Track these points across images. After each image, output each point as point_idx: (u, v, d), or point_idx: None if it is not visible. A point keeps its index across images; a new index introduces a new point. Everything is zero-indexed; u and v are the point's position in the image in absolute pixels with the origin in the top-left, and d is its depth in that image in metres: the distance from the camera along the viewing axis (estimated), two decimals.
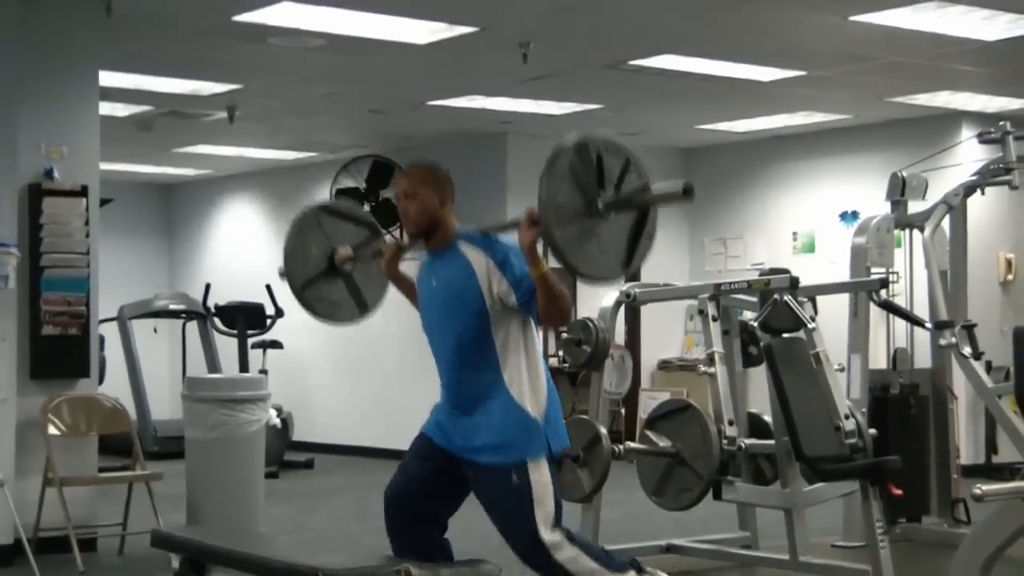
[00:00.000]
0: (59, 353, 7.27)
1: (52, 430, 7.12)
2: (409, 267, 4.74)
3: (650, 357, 12.58)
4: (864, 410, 6.62)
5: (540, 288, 4.16)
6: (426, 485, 4.41)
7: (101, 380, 8.14)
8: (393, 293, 4.90)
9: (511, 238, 4.28)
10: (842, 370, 6.77)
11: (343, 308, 5.09)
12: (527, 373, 4.30)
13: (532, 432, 4.25)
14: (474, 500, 4.40)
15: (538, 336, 4.42)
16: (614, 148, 4.15)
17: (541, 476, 4.23)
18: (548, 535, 4.20)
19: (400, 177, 4.50)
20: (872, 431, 6.05)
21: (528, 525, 4.19)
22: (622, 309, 7.01)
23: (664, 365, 12.67)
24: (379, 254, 4.82)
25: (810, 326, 6.09)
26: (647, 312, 11.92)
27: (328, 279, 5.03)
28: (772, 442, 6.44)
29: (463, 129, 11.37)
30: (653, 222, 4.21)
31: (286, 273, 5.01)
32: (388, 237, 4.78)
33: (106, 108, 8.53)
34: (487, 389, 4.29)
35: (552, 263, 4.16)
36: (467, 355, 4.32)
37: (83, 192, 7.36)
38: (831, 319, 6.89)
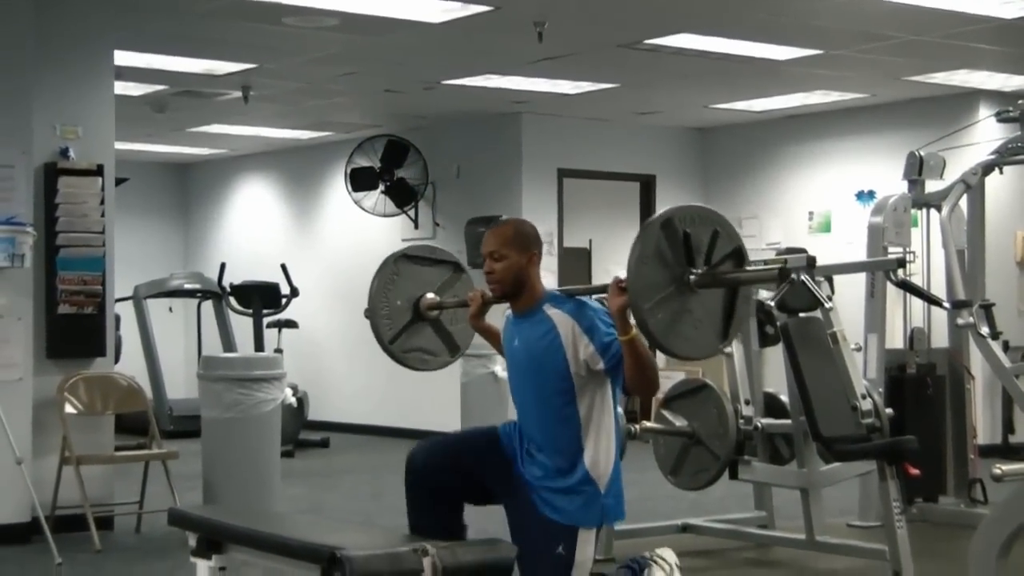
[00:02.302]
0: (75, 332, 7.29)
1: (69, 409, 7.13)
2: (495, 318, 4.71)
3: None
4: (881, 390, 6.61)
5: (628, 354, 4.07)
6: (467, 480, 4.41)
7: (117, 359, 8.15)
8: None
9: (599, 302, 4.24)
10: (859, 350, 6.75)
11: (435, 355, 5.06)
12: (603, 445, 4.27)
13: (592, 503, 4.24)
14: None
15: (618, 407, 4.38)
16: (701, 218, 4.09)
17: (585, 550, 4.24)
18: None
19: (487, 236, 4.41)
20: (889, 411, 6.04)
21: None
22: None
23: None
24: (464, 305, 4.77)
25: (827, 306, 6.07)
26: None
27: (415, 328, 4.98)
28: (788, 422, 6.42)
29: (478, 108, 11.35)
30: (747, 288, 4.16)
31: (372, 327, 4.97)
32: (473, 292, 4.75)
33: (120, 88, 8.52)
34: (565, 453, 4.25)
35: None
36: (548, 419, 4.28)
37: (98, 171, 7.36)
38: (848, 299, 6.87)
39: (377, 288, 5.00)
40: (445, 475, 4.38)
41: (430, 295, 4.99)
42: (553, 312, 4.28)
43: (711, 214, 4.12)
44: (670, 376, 11.34)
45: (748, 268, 4.14)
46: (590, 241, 13.76)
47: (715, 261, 4.03)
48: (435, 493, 4.38)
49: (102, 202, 7.35)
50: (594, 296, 4.34)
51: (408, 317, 4.99)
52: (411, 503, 4.44)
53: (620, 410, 4.50)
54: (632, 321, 4.00)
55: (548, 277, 11.77)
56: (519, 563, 4.27)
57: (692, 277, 3.98)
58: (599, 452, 4.25)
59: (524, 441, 4.37)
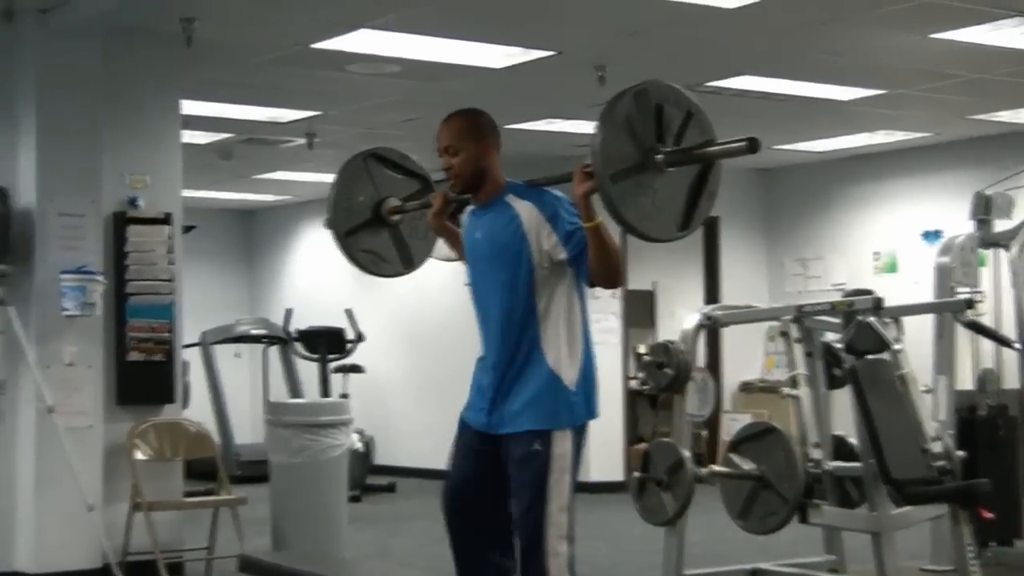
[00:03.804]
0: (145, 379, 7.35)
1: (139, 455, 7.19)
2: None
3: (731, 379, 12.49)
4: (951, 432, 6.53)
5: (592, 241, 3.97)
6: (481, 480, 4.29)
7: (185, 405, 8.22)
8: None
9: (562, 191, 4.14)
10: (928, 392, 6.68)
11: (388, 262, 4.93)
12: (566, 339, 4.13)
13: (561, 401, 4.11)
14: None
15: (586, 302, 4.24)
16: (676, 99, 3.92)
17: (563, 447, 4.10)
18: (555, 512, 4.06)
19: (440, 131, 4.30)
20: (960, 453, 5.96)
21: (539, 492, 4.06)
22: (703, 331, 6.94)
23: (745, 387, 12.58)
24: (427, 206, 4.63)
25: (895, 347, 6.02)
26: (727, 333, 11.85)
27: (373, 229, 4.82)
28: (858, 465, 6.35)
29: (540, 152, 11.36)
30: (716, 179, 3.96)
31: (330, 219, 4.82)
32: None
33: (187, 136, 8.63)
34: (525, 352, 4.13)
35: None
36: (508, 314, 4.16)
37: (166, 220, 7.44)
38: (916, 340, 6.80)
39: (341, 180, 4.83)
40: (472, 504, 4.29)
41: (393, 200, 4.86)
42: (516, 202, 4.18)
43: (687, 98, 3.95)
44: (736, 419, 11.33)
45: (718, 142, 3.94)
46: (654, 284, 13.73)
47: (685, 145, 3.88)
48: (479, 519, 4.28)
49: (170, 250, 7.43)
50: (559, 185, 4.19)
51: (367, 216, 4.82)
52: (460, 550, 4.35)
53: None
54: (597, 208, 3.90)
55: (612, 319, 11.79)
56: (510, 483, 4.14)
57: (660, 156, 3.85)
58: (560, 349, 4.12)
59: (485, 374, 4.26)
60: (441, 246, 4.94)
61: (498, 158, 4.29)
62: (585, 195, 3.93)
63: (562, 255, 4.08)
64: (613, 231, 4.03)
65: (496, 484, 4.24)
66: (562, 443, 4.11)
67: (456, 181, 4.28)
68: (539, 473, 4.07)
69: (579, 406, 4.15)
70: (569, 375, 4.12)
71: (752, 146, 3.73)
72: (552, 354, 4.12)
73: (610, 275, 4.06)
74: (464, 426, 4.37)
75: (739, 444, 6.42)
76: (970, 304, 6.76)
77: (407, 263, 4.95)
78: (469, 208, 4.40)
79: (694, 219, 3.95)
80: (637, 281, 12.70)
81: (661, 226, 3.93)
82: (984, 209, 7.59)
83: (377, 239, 4.85)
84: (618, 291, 11.59)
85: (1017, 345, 7.09)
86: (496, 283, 4.21)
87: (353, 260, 4.89)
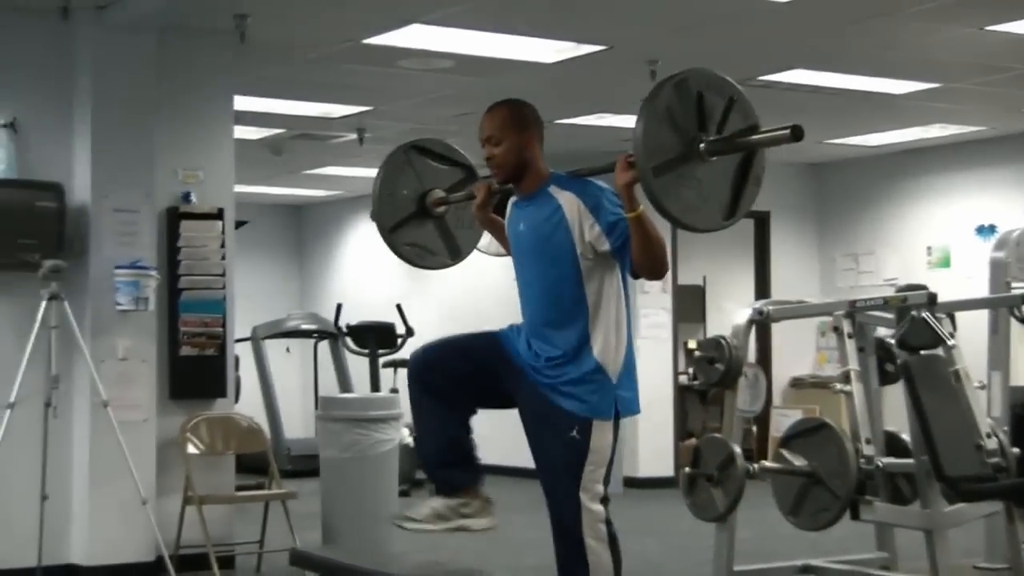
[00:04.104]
0: (197, 373, 7.40)
1: (191, 449, 7.24)
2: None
3: (781, 374, 12.43)
4: (1006, 428, 6.47)
5: (635, 231, 3.92)
6: (474, 379, 4.30)
7: (236, 399, 8.27)
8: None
9: (605, 181, 4.10)
10: (982, 387, 6.63)
11: (434, 254, 4.86)
12: (614, 332, 4.09)
13: (604, 394, 4.07)
14: None
15: (629, 294, 4.20)
16: (717, 85, 3.88)
17: (602, 439, 4.07)
18: (588, 500, 4.05)
19: (482, 121, 4.26)
20: (1015, 450, 5.91)
21: (572, 481, 4.05)
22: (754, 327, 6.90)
23: (796, 383, 12.52)
24: (471, 197, 4.59)
25: (949, 343, 5.97)
26: (778, 329, 11.79)
27: (418, 222, 4.78)
28: (911, 461, 6.31)
29: (591, 147, 11.34)
30: (760, 164, 3.92)
31: (374, 214, 4.78)
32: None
33: (239, 132, 8.68)
34: (572, 344, 4.08)
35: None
36: (554, 306, 4.12)
37: (219, 215, 7.49)
38: (970, 336, 6.75)
39: (384, 175, 4.78)
40: (451, 374, 4.25)
41: (437, 192, 4.82)
42: (559, 193, 4.14)
43: (729, 84, 3.90)
44: (786, 415, 11.29)
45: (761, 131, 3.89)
46: (704, 278, 13.68)
47: (728, 133, 3.83)
48: (444, 394, 4.25)
49: (222, 245, 7.48)
50: (601, 175, 4.15)
51: (412, 209, 4.78)
52: (419, 407, 4.30)
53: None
54: (640, 198, 3.85)
55: (662, 314, 11.76)
56: (535, 452, 4.16)
57: (703, 145, 3.80)
58: (608, 340, 4.07)
59: (529, 337, 4.19)
60: (490, 240, 4.92)
61: (541, 149, 4.26)
62: (627, 185, 3.89)
63: (605, 246, 4.04)
64: (658, 221, 4.00)
65: (481, 378, 4.28)
66: (601, 435, 4.09)
67: (498, 171, 4.24)
68: (573, 463, 4.06)
69: (624, 401, 4.13)
70: (613, 368, 4.09)
71: (795, 133, 3.70)
72: (599, 346, 4.08)
73: (654, 266, 4.02)
74: (495, 342, 4.28)
75: (790, 440, 6.39)
76: None
77: (454, 254, 4.91)
78: (512, 200, 4.37)
79: (740, 206, 3.92)
80: (687, 276, 12.65)
81: (706, 217, 3.90)
82: None
83: (422, 231, 4.82)
84: (668, 286, 11.58)
85: None
86: (540, 275, 4.18)
87: (399, 254, 4.86)
